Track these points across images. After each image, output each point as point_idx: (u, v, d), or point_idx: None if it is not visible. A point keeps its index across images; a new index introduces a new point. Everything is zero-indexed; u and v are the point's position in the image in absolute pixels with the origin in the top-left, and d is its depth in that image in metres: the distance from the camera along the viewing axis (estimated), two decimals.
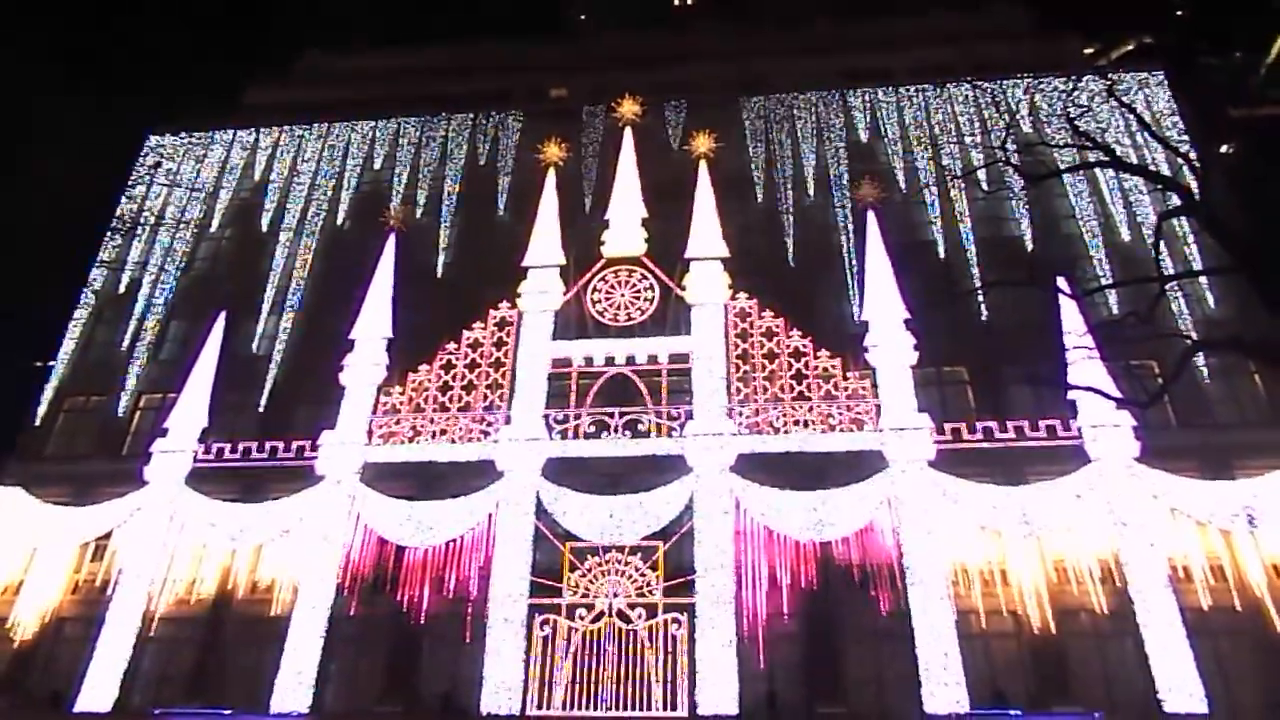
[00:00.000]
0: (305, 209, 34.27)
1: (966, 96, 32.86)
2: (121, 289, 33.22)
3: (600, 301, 29.15)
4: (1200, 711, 20.62)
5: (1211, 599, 22.22)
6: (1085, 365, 22.10)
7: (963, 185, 29.69)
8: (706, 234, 29.55)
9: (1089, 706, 21.33)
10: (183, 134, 36.94)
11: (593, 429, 26.57)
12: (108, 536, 26.56)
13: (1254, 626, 21.99)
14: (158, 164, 35.62)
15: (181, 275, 33.48)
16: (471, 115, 35.76)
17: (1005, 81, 32.03)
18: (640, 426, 26.39)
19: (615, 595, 24.02)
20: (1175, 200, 15.46)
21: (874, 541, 23.86)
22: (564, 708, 22.61)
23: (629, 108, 33.38)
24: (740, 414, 26.07)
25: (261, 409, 29.38)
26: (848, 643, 23.28)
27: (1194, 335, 24.99)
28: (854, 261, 29.66)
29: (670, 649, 23.11)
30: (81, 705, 23.81)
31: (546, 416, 26.86)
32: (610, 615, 23.75)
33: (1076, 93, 20.32)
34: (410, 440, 26.93)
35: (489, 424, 26.92)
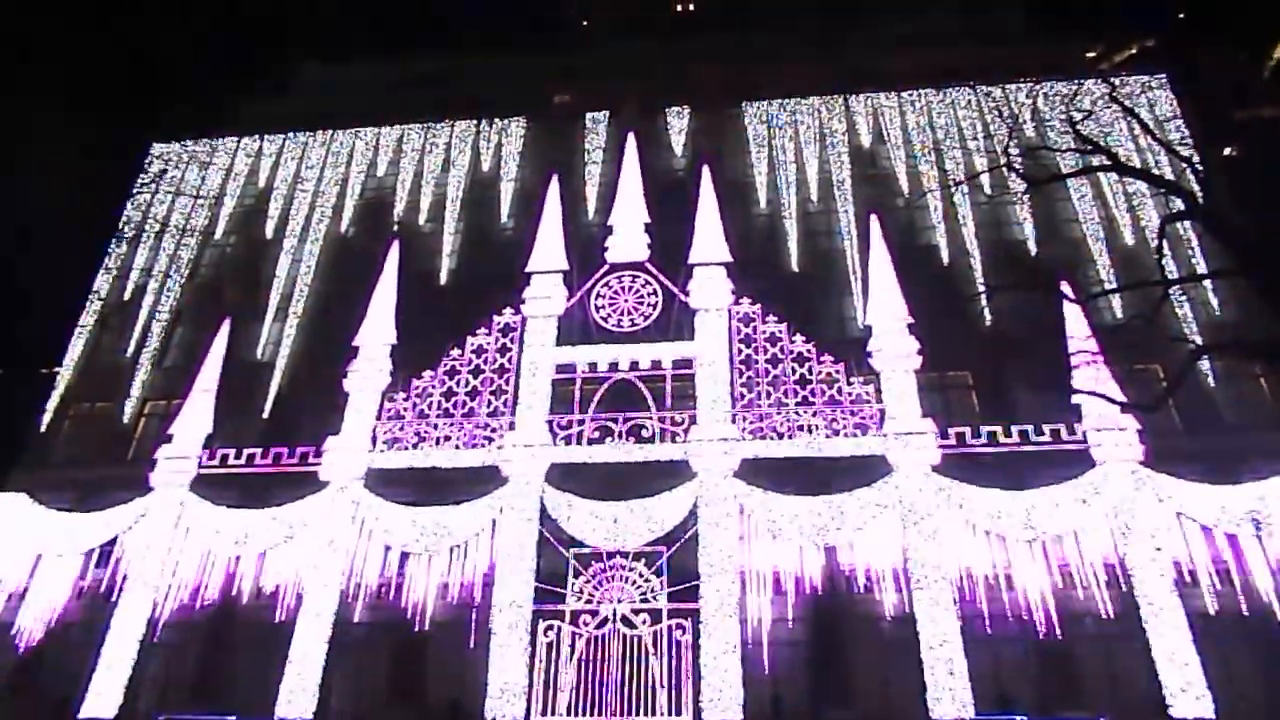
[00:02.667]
0: (309, 216, 34.37)
1: (969, 100, 32.87)
2: (126, 296, 33.29)
3: (604, 307, 29.18)
4: (1207, 716, 20.54)
5: (1218, 603, 22.13)
6: (1089, 369, 22.10)
7: (966, 190, 29.67)
8: (709, 239, 29.55)
9: (1095, 711, 21.30)
10: (187, 142, 37.05)
11: (596, 435, 26.56)
12: (113, 542, 26.58)
13: (1261, 631, 21.87)
14: (162, 172, 35.72)
15: (186, 282, 33.58)
16: (474, 122, 35.85)
17: (1008, 86, 32.05)
18: (644, 432, 26.38)
19: (619, 601, 24.01)
20: (1178, 204, 15.44)
21: (878, 546, 23.84)
22: (568, 713, 22.61)
23: (631, 113, 33.45)
24: (744, 419, 26.06)
25: (266, 415, 29.42)
26: (853, 648, 23.24)
27: (1198, 339, 24.95)
28: (857, 266, 29.69)
29: (675, 654, 23.10)
30: (86, 711, 23.82)
31: (550, 422, 26.88)
32: (614, 621, 23.74)
33: (1079, 96, 20.34)
34: (414, 446, 26.98)
35: (493, 430, 26.95)
